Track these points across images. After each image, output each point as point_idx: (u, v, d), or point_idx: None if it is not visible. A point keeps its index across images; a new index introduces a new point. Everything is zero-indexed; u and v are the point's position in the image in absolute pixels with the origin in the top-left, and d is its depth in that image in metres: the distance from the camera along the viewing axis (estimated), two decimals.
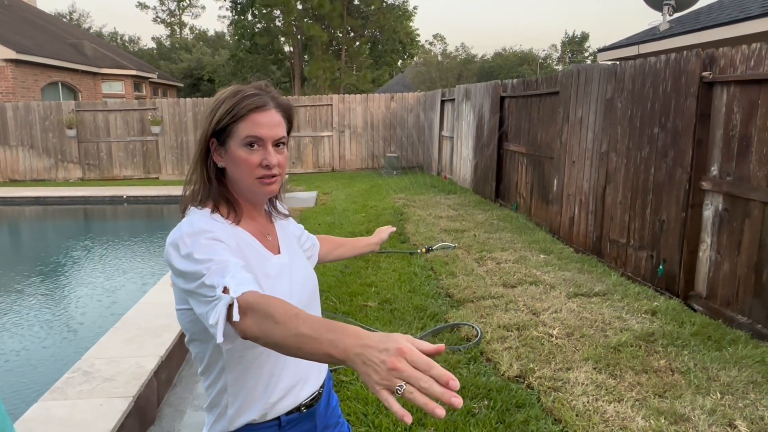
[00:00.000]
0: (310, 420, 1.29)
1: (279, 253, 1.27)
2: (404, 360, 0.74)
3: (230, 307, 0.96)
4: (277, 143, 1.18)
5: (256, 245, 1.21)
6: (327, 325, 0.87)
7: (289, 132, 1.24)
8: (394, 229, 1.78)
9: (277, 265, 1.22)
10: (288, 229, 1.39)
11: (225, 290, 0.99)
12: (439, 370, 0.73)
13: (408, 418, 0.73)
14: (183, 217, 1.20)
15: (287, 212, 1.40)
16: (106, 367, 2.97)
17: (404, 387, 0.73)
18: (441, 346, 0.79)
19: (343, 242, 1.68)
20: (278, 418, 1.23)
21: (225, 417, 1.20)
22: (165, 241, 1.13)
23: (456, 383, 0.73)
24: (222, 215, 1.19)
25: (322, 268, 5.15)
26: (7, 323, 4.73)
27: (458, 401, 0.71)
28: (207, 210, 1.18)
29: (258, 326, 0.92)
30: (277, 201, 1.35)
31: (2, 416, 0.79)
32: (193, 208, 1.19)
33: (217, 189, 1.20)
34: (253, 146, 1.15)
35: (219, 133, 1.17)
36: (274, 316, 0.91)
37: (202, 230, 1.10)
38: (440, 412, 0.72)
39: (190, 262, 1.06)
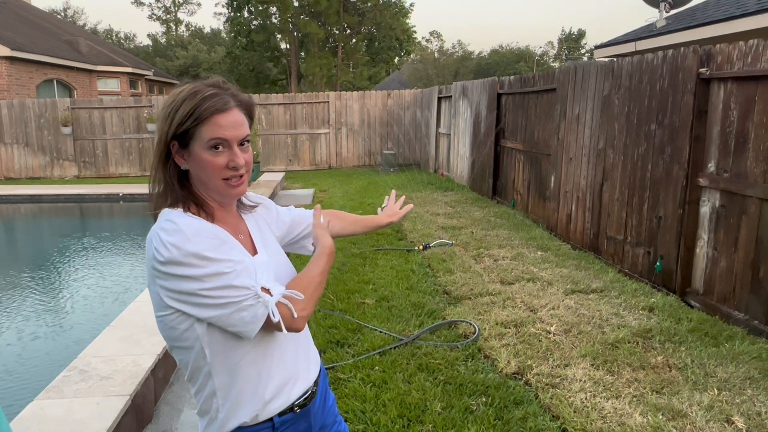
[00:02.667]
0: (304, 420, 1.27)
1: (255, 252, 1.25)
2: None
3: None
4: (241, 142, 1.16)
5: (235, 243, 1.19)
6: (316, 254, 1.29)
7: (250, 127, 1.23)
8: (411, 206, 1.78)
9: (256, 264, 1.20)
10: (261, 219, 1.36)
11: (264, 289, 1.09)
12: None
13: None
14: (154, 217, 1.16)
15: (257, 201, 1.37)
16: (103, 365, 2.96)
17: None
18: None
19: (357, 219, 1.66)
20: (271, 419, 1.21)
21: (216, 421, 1.19)
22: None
23: None
24: (193, 214, 1.16)
25: None
26: (3, 322, 4.70)
27: None
28: (179, 210, 1.15)
29: (312, 307, 1.18)
30: (243, 197, 1.32)
31: None
32: (167, 209, 1.16)
33: (180, 192, 1.17)
34: (217, 148, 1.13)
35: (180, 136, 1.13)
36: (312, 286, 1.20)
37: (202, 228, 1.09)
38: None
39: (202, 262, 1.05)
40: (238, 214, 1.31)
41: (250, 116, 1.21)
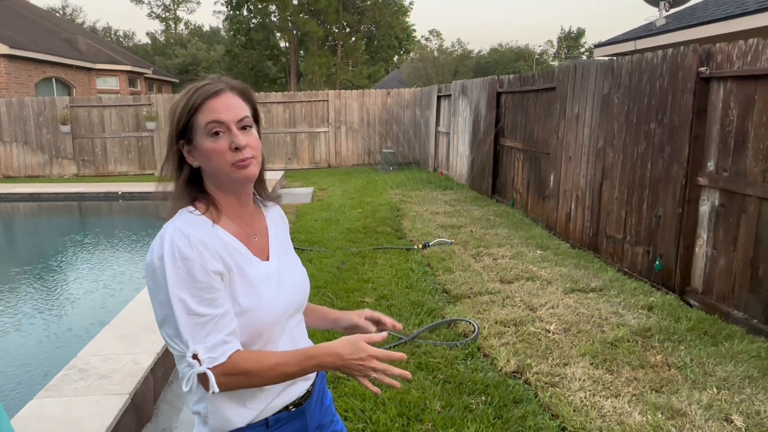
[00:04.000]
0: (299, 419, 1.25)
1: (267, 258, 1.22)
2: (374, 360, 1.10)
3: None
4: (241, 126, 1.14)
5: (240, 249, 1.16)
6: (305, 353, 1.13)
7: (255, 117, 1.20)
8: (398, 326, 1.43)
9: (263, 273, 1.18)
10: (280, 222, 1.33)
11: (194, 356, 1.06)
12: (397, 355, 1.13)
13: (378, 390, 1.15)
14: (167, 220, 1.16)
15: (275, 199, 1.36)
16: (102, 364, 2.95)
17: (375, 375, 1.11)
18: (384, 334, 1.18)
19: (313, 309, 1.45)
20: (265, 418, 1.20)
21: (207, 426, 1.18)
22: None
23: (403, 356, 1.13)
24: (200, 211, 1.15)
25: (318, 264, 5.14)
26: (2, 320, 4.70)
27: (408, 375, 1.15)
28: (187, 212, 1.14)
29: (239, 384, 1.10)
30: (261, 189, 1.29)
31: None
32: (180, 211, 1.15)
33: (195, 190, 1.17)
34: (217, 134, 1.11)
35: (183, 133, 1.14)
36: (257, 374, 1.10)
37: (184, 257, 1.06)
38: (397, 384, 1.14)
39: (165, 297, 1.06)
40: (259, 210, 1.28)
41: (250, 102, 1.19)
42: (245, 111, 1.15)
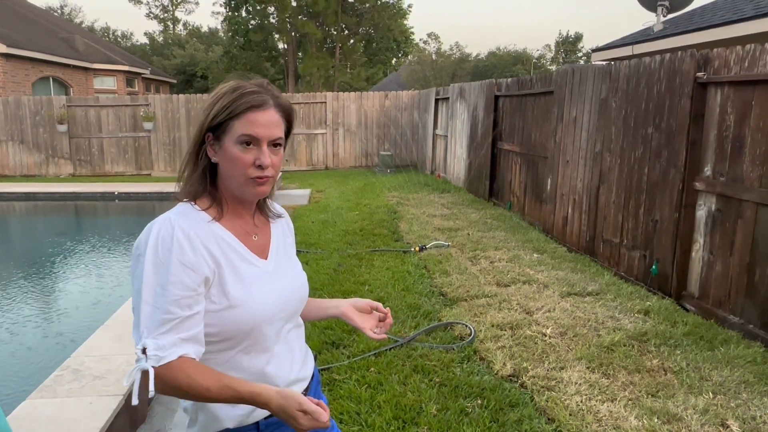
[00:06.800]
0: None
1: (266, 257, 1.22)
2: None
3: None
4: (273, 143, 1.15)
5: (235, 245, 1.17)
6: (237, 390, 1.05)
7: (288, 134, 1.21)
8: (384, 309, 1.44)
9: (258, 270, 1.18)
10: (287, 231, 1.34)
11: (144, 350, 1.03)
12: (323, 418, 1.10)
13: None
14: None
15: (280, 212, 1.34)
16: (96, 365, 2.94)
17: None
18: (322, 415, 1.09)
19: (312, 307, 1.43)
20: (257, 422, 1.18)
21: (197, 423, 1.17)
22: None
23: (324, 413, 1.09)
24: (201, 207, 1.16)
25: (315, 265, 5.13)
26: None
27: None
28: (187, 204, 1.16)
29: (174, 391, 1.04)
30: (269, 201, 1.30)
31: None
32: (181, 203, 1.17)
33: (205, 183, 1.17)
34: (248, 145, 1.12)
35: (215, 128, 1.14)
36: (192, 387, 1.03)
37: (165, 249, 1.07)
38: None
39: (139, 284, 1.07)
40: (266, 218, 1.29)
41: (289, 121, 1.20)
42: (280, 131, 1.16)
